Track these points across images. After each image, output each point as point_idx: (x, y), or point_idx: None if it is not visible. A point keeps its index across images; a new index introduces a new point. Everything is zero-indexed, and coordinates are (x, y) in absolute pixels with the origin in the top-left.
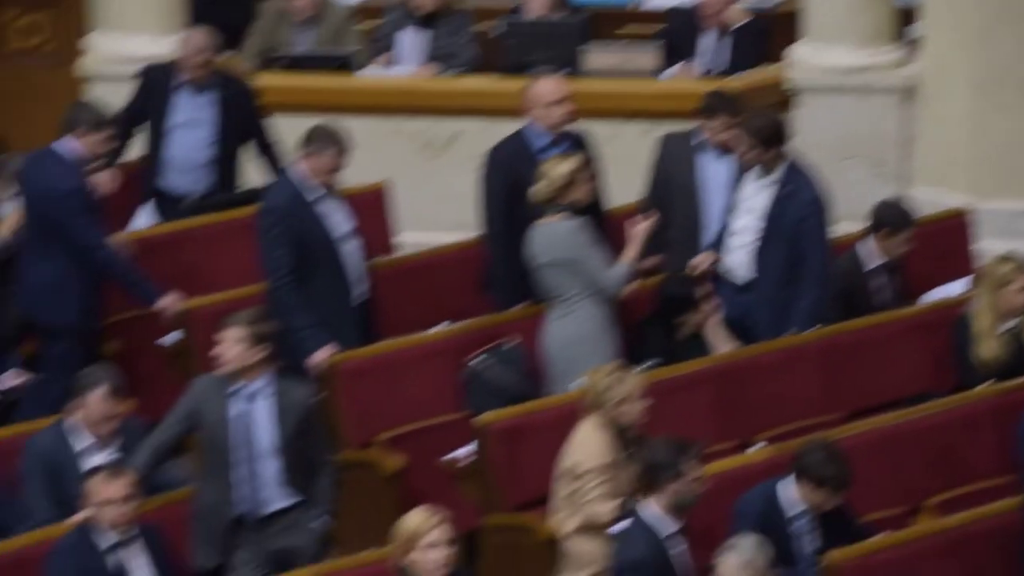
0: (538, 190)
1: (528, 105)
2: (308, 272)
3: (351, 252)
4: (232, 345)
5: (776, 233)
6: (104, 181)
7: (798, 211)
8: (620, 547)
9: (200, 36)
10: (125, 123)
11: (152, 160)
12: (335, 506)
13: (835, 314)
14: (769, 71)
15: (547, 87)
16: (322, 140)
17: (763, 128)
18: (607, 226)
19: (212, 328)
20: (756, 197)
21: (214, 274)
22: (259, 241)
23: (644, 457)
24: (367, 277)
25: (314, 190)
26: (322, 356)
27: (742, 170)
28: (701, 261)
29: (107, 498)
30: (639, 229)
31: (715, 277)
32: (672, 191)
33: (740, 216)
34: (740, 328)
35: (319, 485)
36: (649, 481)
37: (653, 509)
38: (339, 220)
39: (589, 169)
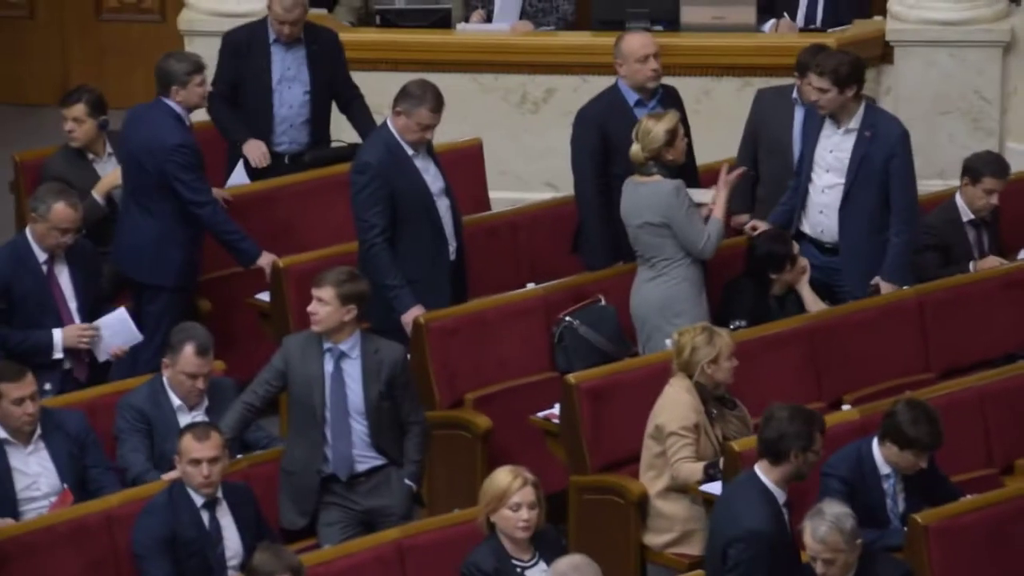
0: (634, 150)
1: (618, 61)
2: (402, 229)
3: (445, 209)
4: (323, 304)
5: (864, 180)
6: (257, 155)
7: (885, 150)
8: (742, 513)
9: (284, 5)
10: (228, 88)
11: (252, 118)
12: (425, 465)
13: (934, 265)
14: (868, 25)
15: (635, 42)
16: (416, 96)
17: (839, 67)
18: (700, 183)
19: (304, 287)
20: (838, 149)
21: (306, 232)
22: (352, 198)
23: (774, 427)
24: (461, 234)
25: (408, 147)
26: (413, 315)
27: (820, 119)
28: (756, 224)
29: (196, 457)
30: (726, 180)
31: (801, 236)
32: (765, 148)
33: (822, 172)
34: (827, 289)
35: (409, 444)
36: (776, 451)
37: (772, 476)
38: (433, 177)
39: (683, 127)
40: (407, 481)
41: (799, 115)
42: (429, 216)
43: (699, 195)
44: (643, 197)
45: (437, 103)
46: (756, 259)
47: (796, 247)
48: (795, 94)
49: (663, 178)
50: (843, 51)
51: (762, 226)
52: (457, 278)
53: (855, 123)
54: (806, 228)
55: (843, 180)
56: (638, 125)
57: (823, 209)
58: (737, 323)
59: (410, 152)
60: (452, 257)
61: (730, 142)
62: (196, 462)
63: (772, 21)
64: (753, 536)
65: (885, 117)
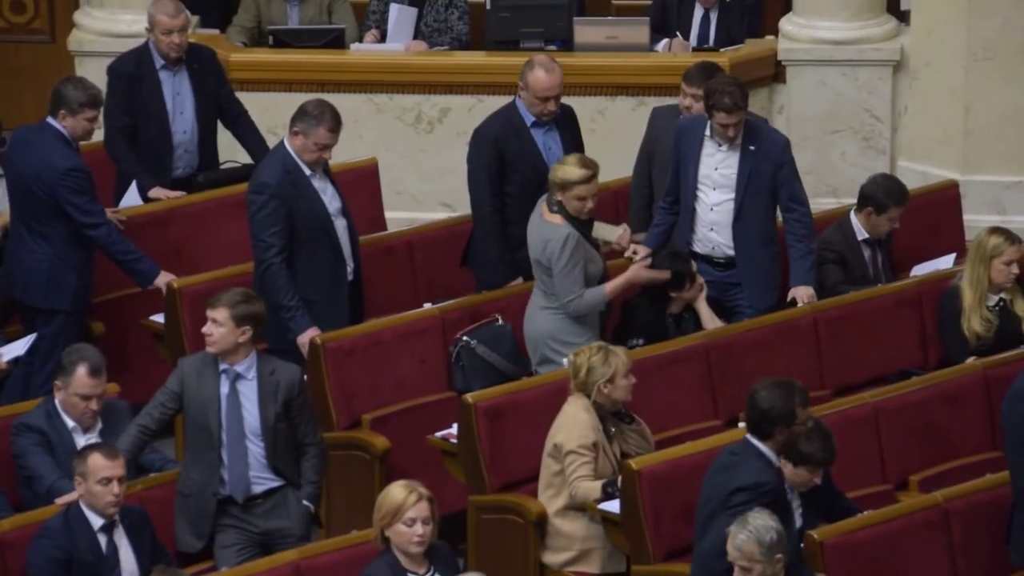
0: (552, 174)
1: (521, 84)
2: (300, 250)
3: (342, 229)
4: (218, 325)
5: (754, 193)
6: (165, 197)
7: (772, 161)
8: (747, 469)
9: (168, 12)
10: (127, 122)
11: (152, 148)
12: (323, 486)
13: (834, 279)
14: (760, 44)
15: (542, 82)
16: (314, 116)
17: (743, 96)
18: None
19: (199, 308)
20: (723, 166)
21: (201, 253)
22: (250, 219)
23: (755, 407)
24: (358, 254)
25: (305, 167)
26: (309, 336)
27: (698, 139)
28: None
29: (107, 476)
30: (635, 271)
31: (691, 255)
32: (660, 166)
33: (709, 190)
34: (719, 305)
35: (306, 465)
36: (761, 430)
37: (765, 447)
38: (330, 197)
39: (595, 184)
40: (305, 502)
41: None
42: (327, 236)
43: (606, 231)
44: (539, 234)
45: (335, 123)
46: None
47: (693, 264)
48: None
49: (563, 223)
50: (729, 78)
51: (642, 251)
52: (355, 298)
53: (738, 139)
54: (697, 246)
55: (732, 196)
56: (557, 167)
57: (713, 227)
58: (635, 341)
59: (307, 172)
60: (350, 277)
61: (625, 161)
62: (107, 480)
63: (665, 41)
64: (759, 486)
65: (765, 130)
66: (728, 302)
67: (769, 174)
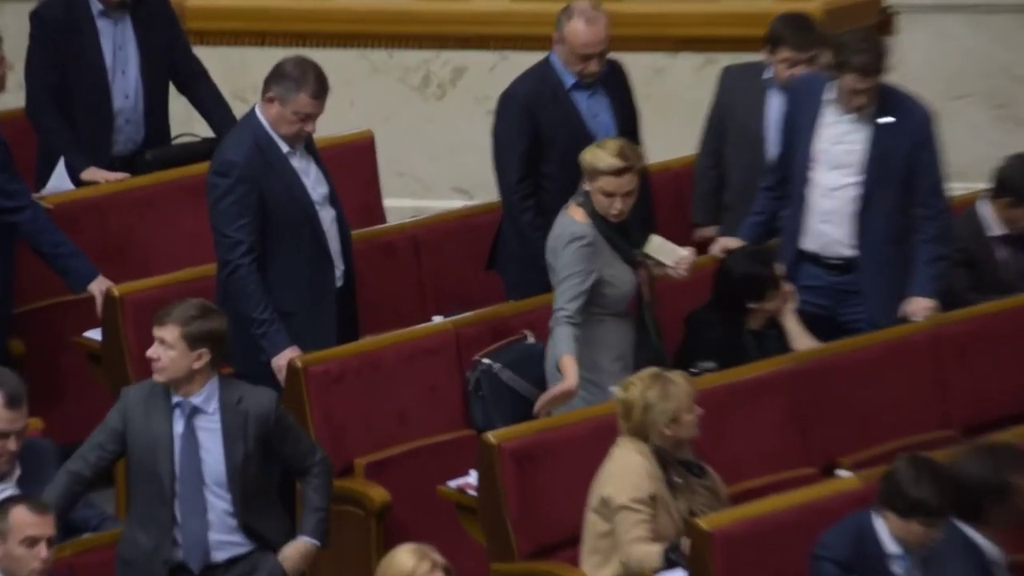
0: (586, 157)
1: (557, 37)
2: (275, 248)
3: (330, 222)
4: (167, 347)
5: (885, 177)
6: (104, 180)
7: (910, 139)
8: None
9: None
10: (53, 82)
11: (88, 117)
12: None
13: (962, 287)
14: None
15: (581, 36)
16: (293, 79)
17: (880, 57)
18: (649, 186)
19: (146, 322)
20: (845, 140)
21: (148, 252)
22: (211, 208)
23: (957, 478)
24: (350, 253)
25: (283, 142)
26: (287, 358)
27: (814, 104)
28: (725, 241)
29: (34, 535)
30: (557, 392)
31: (799, 255)
32: (733, 141)
33: (825, 171)
34: (831, 322)
35: (309, 489)
36: (971, 509)
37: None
38: (315, 180)
39: (630, 181)
40: (308, 539)
41: (773, 101)
42: (310, 231)
43: (663, 250)
44: (554, 226)
45: (320, 87)
46: (729, 284)
47: (780, 268)
48: (768, 74)
49: (584, 219)
50: (860, 31)
51: (734, 244)
52: (344, 310)
53: (869, 108)
54: (805, 242)
55: (857, 179)
56: (593, 147)
57: (827, 217)
58: (704, 365)
59: (285, 149)
60: (339, 283)
61: (687, 134)
62: (32, 541)
63: None
64: None
65: (904, 99)
66: (842, 317)
67: (904, 154)
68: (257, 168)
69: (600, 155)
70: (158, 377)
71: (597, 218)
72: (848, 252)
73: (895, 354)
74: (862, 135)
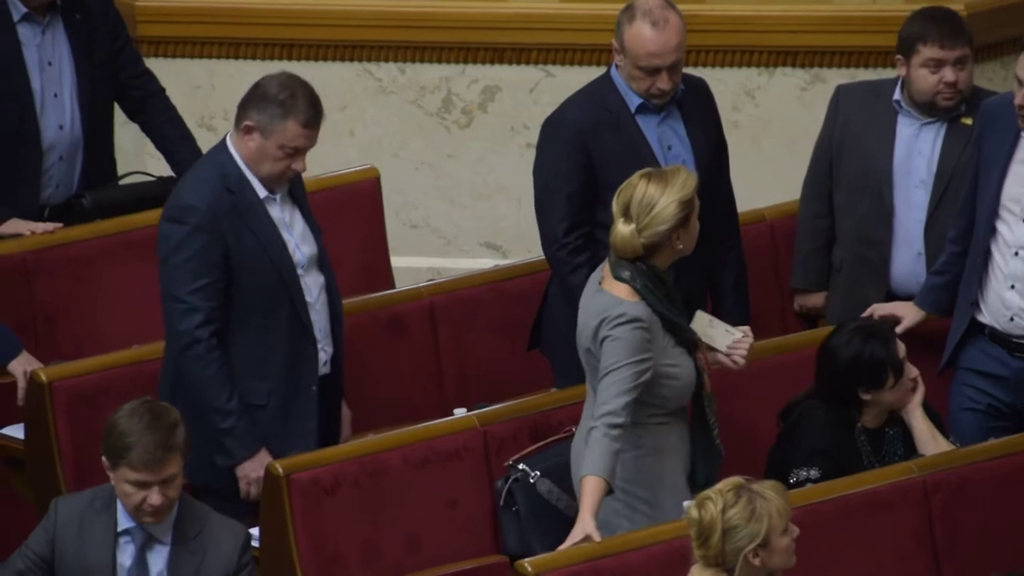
0: (623, 232)
1: (617, 45)
2: (242, 321)
3: (316, 291)
4: (169, 487)
5: None
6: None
7: None
8: None
9: None
10: None
11: (7, 155)
12: None
13: None
14: None
15: (649, 41)
16: (278, 102)
17: None
18: (736, 234)
19: (83, 415)
20: None
21: (88, 324)
22: (162, 264)
23: None
24: (340, 334)
25: (260, 185)
26: (260, 464)
27: (1011, 133)
28: (890, 307)
29: None
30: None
31: (973, 329)
32: (847, 182)
33: (1016, 222)
34: (1014, 420)
35: None
36: None
37: None
38: (300, 236)
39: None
40: None
41: (904, 130)
42: (288, 302)
43: (715, 330)
44: (591, 306)
45: (313, 112)
46: (836, 368)
47: (902, 348)
48: (897, 94)
49: (631, 295)
50: None
51: (904, 313)
52: (329, 404)
53: None
54: (983, 314)
55: None
56: (629, 189)
57: (1017, 282)
58: (805, 473)
59: (263, 194)
60: (324, 370)
61: (789, 171)
62: None
63: None
64: None
65: None
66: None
67: None
68: (223, 216)
69: (672, 192)
70: (151, 519)
71: (649, 294)
72: None
73: None
74: None
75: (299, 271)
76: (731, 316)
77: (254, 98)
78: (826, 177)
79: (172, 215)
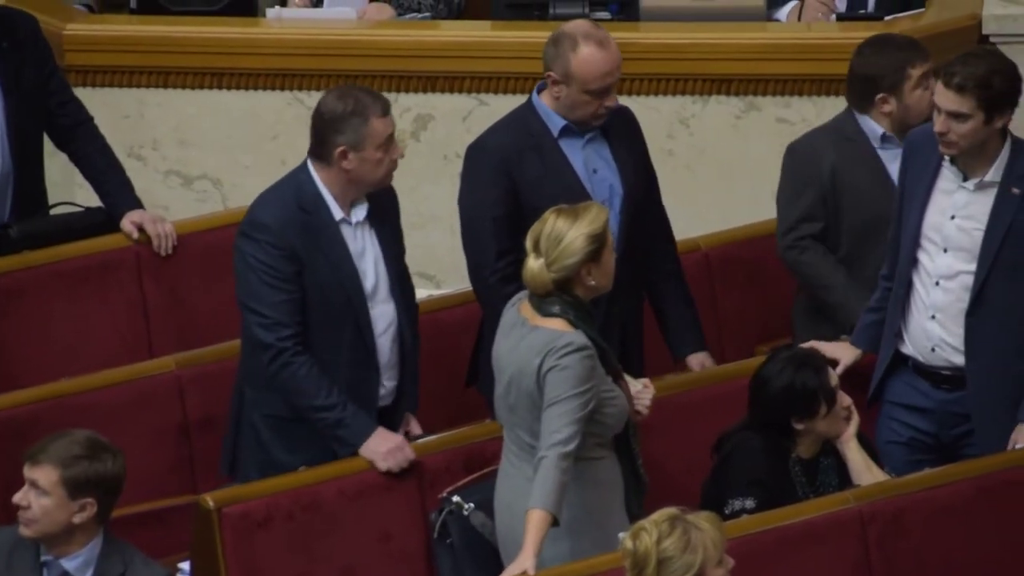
0: (533, 267)
1: (552, 75)
2: (310, 339)
3: (382, 320)
4: (40, 494)
5: (1010, 264)
6: None
7: None
8: None
9: None
10: None
11: None
12: None
13: None
14: (952, 9)
15: (599, 62)
16: (350, 112)
17: (989, 77)
18: (675, 258)
19: (8, 453)
20: (964, 215)
21: (14, 358)
22: (239, 280)
23: None
24: (409, 365)
25: (337, 206)
26: (378, 443)
27: (931, 166)
28: (826, 348)
29: None
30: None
31: (897, 362)
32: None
33: (936, 252)
34: (940, 452)
35: None
36: None
37: None
38: (370, 262)
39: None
40: None
41: (888, 161)
42: (354, 325)
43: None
44: (528, 343)
45: (379, 99)
46: (768, 398)
47: (834, 376)
48: (874, 130)
49: (567, 327)
50: (990, 53)
51: (842, 352)
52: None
53: (995, 173)
54: (907, 345)
55: (973, 266)
56: (540, 224)
57: (937, 312)
58: (740, 504)
59: (338, 216)
60: (383, 402)
61: (724, 199)
62: None
63: (793, 3)
64: None
65: None
66: (957, 445)
67: None
68: (295, 234)
69: (581, 226)
70: (25, 530)
71: (582, 323)
72: (961, 361)
73: (991, 492)
74: (984, 208)
75: (367, 299)
76: (684, 341)
77: (327, 126)
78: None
79: (245, 230)
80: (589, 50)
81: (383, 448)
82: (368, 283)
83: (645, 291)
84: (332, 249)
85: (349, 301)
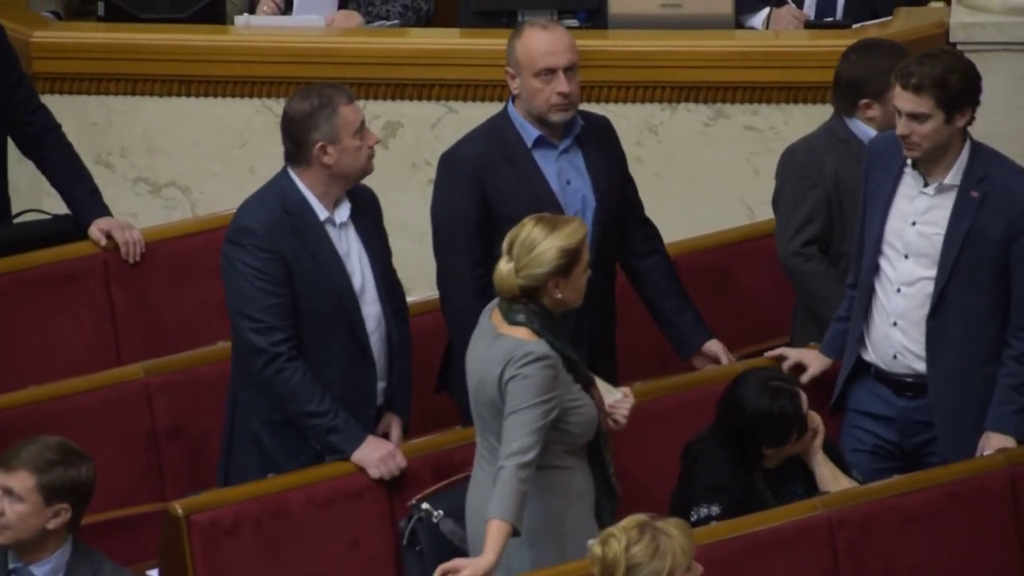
0: (504, 270)
1: (510, 71)
2: (303, 341)
3: (370, 320)
4: (14, 500)
5: (971, 268)
6: None
7: (1007, 220)
8: None
9: None
10: None
11: None
12: None
13: None
14: (920, 16)
15: (536, 44)
16: (319, 106)
17: (946, 77)
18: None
19: None
20: (925, 220)
21: None
22: (228, 287)
23: None
24: (398, 367)
25: (321, 206)
26: (369, 451)
27: (894, 169)
28: (796, 355)
29: None
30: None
31: (859, 367)
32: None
33: (898, 258)
34: (906, 459)
35: None
36: None
37: None
38: (354, 261)
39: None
40: None
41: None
42: (347, 326)
43: (603, 392)
44: (491, 353)
45: (341, 89)
46: (740, 420)
47: (805, 401)
48: (864, 135)
49: (531, 336)
50: (946, 53)
51: (811, 359)
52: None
53: (954, 176)
54: (869, 352)
55: (934, 271)
56: (518, 229)
57: (899, 319)
58: (706, 510)
59: (322, 216)
60: (379, 400)
61: (693, 206)
62: None
63: (764, 12)
64: None
65: (1002, 165)
66: (920, 453)
67: (998, 241)
68: (281, 237)
69: (555, 238)
70: (2, 536)
71: (547, 333)
72: (923, 368)
73: (958, 500)
74: (944, 213)
75: (358, 298)
76: (695, 332)
77: (300, 126)
78: (823, 209)
79: (231, 237)
80: (531, 32)
81: (375, 455)
82: (356, 283)
83: (641, 298)
84: (319, 250)
85: (339, 301)
